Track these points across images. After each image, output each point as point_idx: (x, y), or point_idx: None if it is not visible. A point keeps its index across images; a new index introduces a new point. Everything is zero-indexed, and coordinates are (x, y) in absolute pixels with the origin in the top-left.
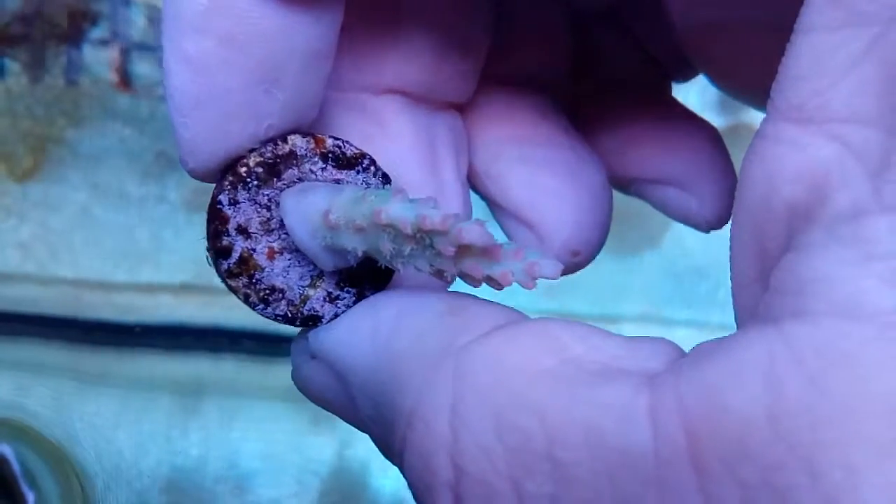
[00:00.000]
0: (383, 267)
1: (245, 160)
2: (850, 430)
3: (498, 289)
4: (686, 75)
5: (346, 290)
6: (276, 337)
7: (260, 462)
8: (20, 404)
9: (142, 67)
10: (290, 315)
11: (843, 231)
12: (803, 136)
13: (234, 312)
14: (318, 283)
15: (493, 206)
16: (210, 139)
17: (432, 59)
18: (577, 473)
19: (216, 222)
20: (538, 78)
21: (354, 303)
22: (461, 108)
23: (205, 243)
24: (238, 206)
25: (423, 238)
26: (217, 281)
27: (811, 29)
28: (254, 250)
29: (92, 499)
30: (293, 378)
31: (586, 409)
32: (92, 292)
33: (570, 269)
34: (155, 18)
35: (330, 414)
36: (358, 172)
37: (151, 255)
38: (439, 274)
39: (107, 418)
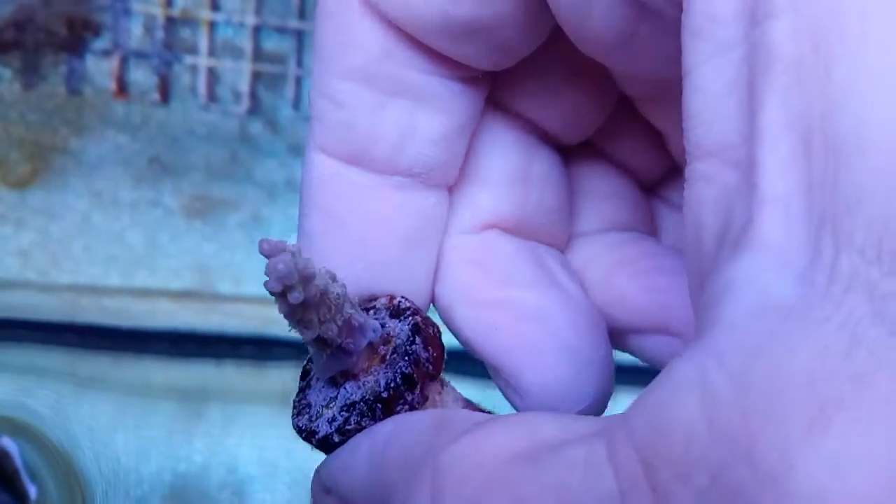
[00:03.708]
0: (380, 394)
1: None
2: (776, 413)
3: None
4: None
5: (342, 413)
6: (270, 341)
7: (257, 467)
8: (23, 404)
9: (137, 74)
10: (300, 427)
11: (742, 239)
12: (710, 170)
13: (232, 320)
14: (331, 405)
15: (622, 334)
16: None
17: (515, 192)
18: None
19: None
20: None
21: (343, 422)
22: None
23: (205, 249)
24: None
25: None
26: (216, 287)
27: (692, 69)
28: (311, 369)
29: (90, 500)
30: None
31: (553, 473)
32: (90, 298)
33: None
34: (151, 27)
35: None
36: (399, 321)
37: (148, 260)
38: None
39: (105, 423)
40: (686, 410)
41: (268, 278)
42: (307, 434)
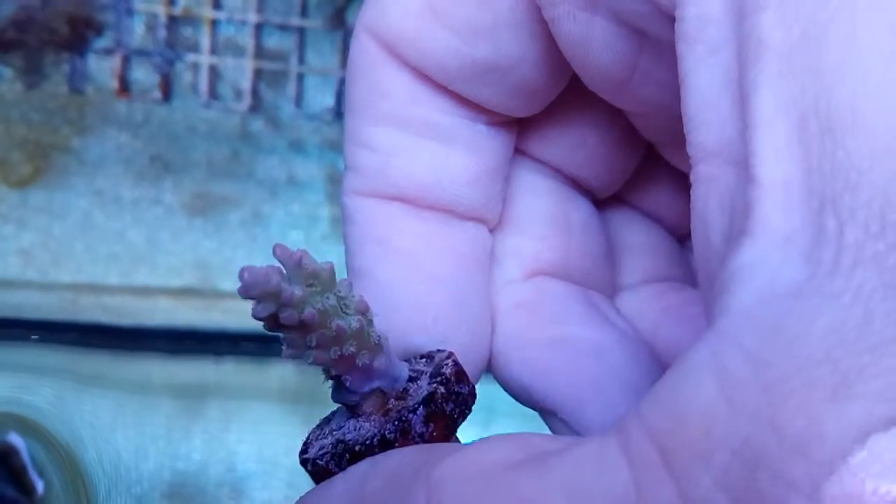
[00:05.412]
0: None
1: None
2: (798, 384)
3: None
4: None
5: (331, 445)
6: (270, 338)
7: (256, 465)
8: (26, 402)
9: (138, 73)
10: (305, 439)
11: (744, 227)
12: (713, 171)
13: (233, 317)
14: (334, 433)
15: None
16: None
17: (558, 238)
18: None
19: None
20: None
21: (322, 456)
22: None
23: (206, 246)
24: None
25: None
26: (217, 284)
27: (687, 73)
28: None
29: (94, 498)
30: None
31: (561, 472)
32: (90, 296)
33: None
34: (152, 25)
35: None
36: (429, 383)
37: (149, 258)
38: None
39: (106, 421)
40: (702, 393)
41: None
42: (302, 449)
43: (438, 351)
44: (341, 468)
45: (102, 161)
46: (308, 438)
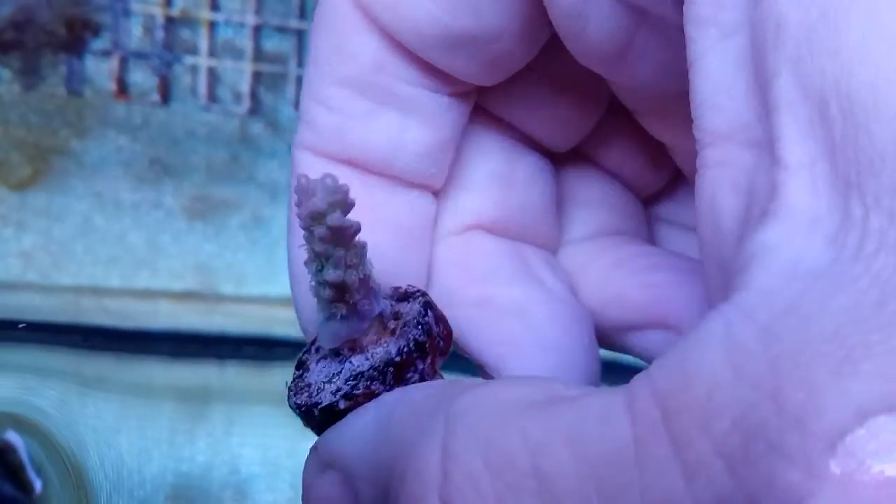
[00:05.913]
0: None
1: None
2: (803, 359)
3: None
4: None
5: (348, 383)
6: (272, 342)
7: (259, 467)
8: (28, 403)
9: (136, 75)
10: (299, 403)
11: (769, 208)
12: (725, 154)
13: (234, 320)
14: (333, 380)
15: (620, 332)
16: (309, 304)
17: (498, 194)
18: (562, 484)
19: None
20: (618, 229)
21: (351, 389)
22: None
23: (207, 250)
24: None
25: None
26: (218, 288)
27: (698, 57)
28: (308, 358)
29: (96, 501)
30: (304, 500)
31: (566, 420)
32: (91, 299)
33: None
34: (150, 27)
35: None
36: (409, 302)
37: (149, 261)
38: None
39: (109, 423)
40: (710, 360)
41: (314, 197)
42: (308, 408)
43: (397, 287)
44: (386, 385)
45: (102, 164)
46: (298, 399)
